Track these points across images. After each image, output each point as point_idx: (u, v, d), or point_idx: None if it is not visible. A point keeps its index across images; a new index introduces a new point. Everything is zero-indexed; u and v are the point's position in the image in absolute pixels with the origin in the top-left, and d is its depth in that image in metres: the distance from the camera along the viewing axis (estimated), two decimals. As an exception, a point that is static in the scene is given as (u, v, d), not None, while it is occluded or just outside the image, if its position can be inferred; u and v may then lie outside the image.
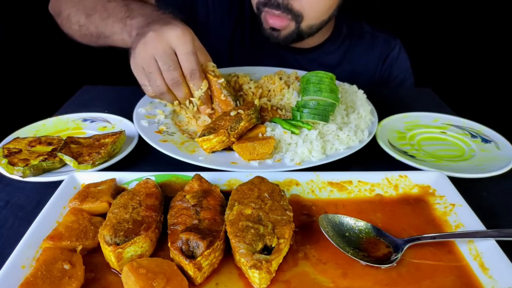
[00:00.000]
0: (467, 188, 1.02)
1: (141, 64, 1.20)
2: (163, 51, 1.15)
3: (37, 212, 0.88)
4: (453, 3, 3.16)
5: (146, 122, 1.29)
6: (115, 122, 1.36)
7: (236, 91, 1.41)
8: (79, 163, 1.07)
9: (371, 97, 1.44)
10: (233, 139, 1.13)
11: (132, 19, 1.35)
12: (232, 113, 1.15)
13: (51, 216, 0.88)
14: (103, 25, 1.45)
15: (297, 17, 1.59)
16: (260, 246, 0.76)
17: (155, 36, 1.15)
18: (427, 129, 1.38)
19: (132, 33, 1.32)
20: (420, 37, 3.18)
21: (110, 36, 1.45)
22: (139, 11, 1.36)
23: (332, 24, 1.90)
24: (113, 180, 0.98)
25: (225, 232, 0.81)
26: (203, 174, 0.97)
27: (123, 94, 1.62)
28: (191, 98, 1.26)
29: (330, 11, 1.68)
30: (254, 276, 0.73)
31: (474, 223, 0.88)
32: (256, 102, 1.30)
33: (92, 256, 0.81)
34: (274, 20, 1.61)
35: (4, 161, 1.06)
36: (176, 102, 1.28)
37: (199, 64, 1.20)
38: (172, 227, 0.81)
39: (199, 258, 0.74)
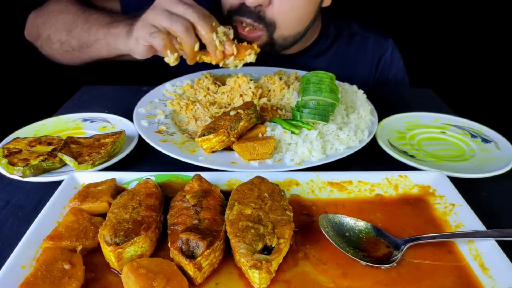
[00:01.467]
0: (467, 188, 1.02)
1: (152, 20, 1.24)
2: (175, 1, 1.23)
3: (37, 212, 0.88)
4: (453, 2, 3.16)
5: (146, 122, 1.29)
6: (115, 122, 1.36)
7: (236, 91, 1.41)
8: (79, 163, 1.07)
9: (371, 97, 1.44)
10: (233, 139, 1.13)
11: (119, 22, 1.38)
12: (232, 113, 1.15)
13: (51, 216, 0.88)
14: (86, 35, 1.47)
15: (270, 26, 1.51)
16: (260, 246, 0.76)
17: None
18: (427, 129, 1.38)
19: (120, 33, 1.34)
20: (420, 37, 3.18)
21: (94, 44, 1.46)
22: (123, 17, 1.40)
23: (318, 25, 1.84)
24: (113, 180, 0.98)
25: (225, 232, 0.81)
26: (203, 174, 0.97)
27: (123, 94, 1.62)
28: (218, 34, 1.27)
29: (304, 23, 1.60)
30: (254, 276, 0.73)
31: (474, 223, 0.88)
32: (256, 102, 1.30)
33: (92, 256, 0.81)
34: (244, 31, 1.53)
35: (4, 161, 1.06)
36: (197, 46, 1.26)
37: None
38: (172, 227, 0.81)
39: (199, 258, 0.74)
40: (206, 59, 1.33)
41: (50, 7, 1.64)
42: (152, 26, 1.24)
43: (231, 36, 1.33)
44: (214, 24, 1.26)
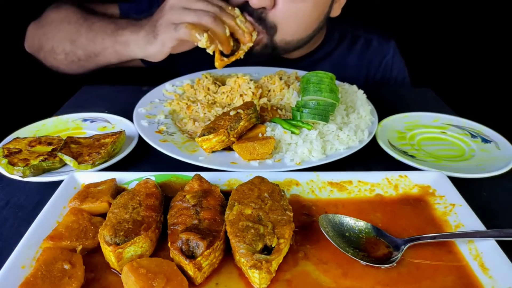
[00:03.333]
0: (467, 188, 1.02)
1: (176, 19, 1.29)
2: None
3: (37, 212, 0.88)
4: (453, 2, 3.16)
5: (146, 122, 1.29)
6: (115, 122, 1.36)
7: (236, 91, 1.41)
8: (79, 163, 1.07)
9: (371, 97, 1.44)
10: (232, 139, 1.13)
11: (124, 29, 1.38)
12: (232, 113, 1.15)
13: (51, 216, 0.88)
14: (92, 44, 1.47)
15: (270, 29, 1.50)
16: (260, 246, 0.76)
17: None
18: (427, 129, 1.38)
19: (129, 40, 1.35)
20: (420, 37, 3.18)
21: (101, 52, 1.46)
22: (126, 23, 1.40)
23: (324, 30, 1.84)
24: (113, 180, 0.98)
25: (225, 232, 0.81)
26: (203, 174, 0.97)
27: (123, 94, 1.62)
28: (238, 17, 1.36)
29: (307, 30, 1.58)
30: (254, 276, 0.73)
31: (474, 223, 0.88)
32: (256, 102, 1.30)
33: (92, 256, 0.81)
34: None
35: (4, 161, 1.06)
36: (227, 31, 1.33)
37: None
38: (172, 227, 0.81)
39: (199, 258, 0.74)
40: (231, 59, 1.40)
41: (50, 17, 1.63)
42: (171, 24, 1.28)
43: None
44: (230, 8, 1.34)
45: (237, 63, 1.71)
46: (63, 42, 1.54)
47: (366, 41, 1.92)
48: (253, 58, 1.60)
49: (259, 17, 1.48)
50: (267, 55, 1.60)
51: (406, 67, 2.00)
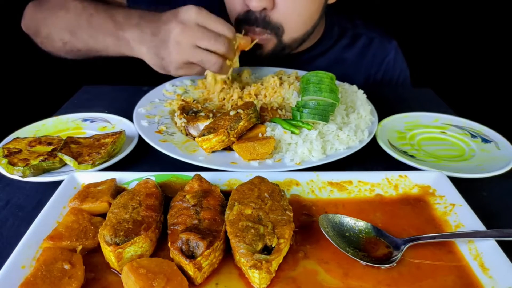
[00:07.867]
0: (467, 188, 1.02)
1: (184, 60, 1.26)
2: (198, 32, 1.22)
3: (37, 212, 0.88)
4: (453, 2, 3.16)
5: (146, 122, 1.29)
6: (115, 122, 1.36)
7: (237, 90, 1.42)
8: (79, 163, 1.07)
9: (371, 97, 1.44)
10: (232, 139, 1.13)
11: (124, 31, 1.33)
12: (232, 113, 1.15)
13: (51, 216, 0.88)
14: (92, 41, 1.42)
15: (277, 29, 1.51)
16: (260, 246, 0.76)
17: (182, 28, 1.21)
18: (427, 129, 1.38)
19: (131, 43, 1.32)
20: (420, 36, 3.18)
21: (103, 50, 1.43)
22: (123, 17, 1.35)
23: (322, 25, 1.85)
24: (113, 180, 0.98)
25: (225, 232, 0.81)
26: (203, 174, 0.97)
27: (123, 94, 1.62)
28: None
29: (311, 22, 1.59)
30: (254, 276, 0.73)
31: (474, 223, 0.88)
32: (256, 102, 1.30)
33: (92, 256, 0.81)
34: (254, 35, 1.53)
35: (4, 161, 1.06)
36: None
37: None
38: (172, 227, 0.81)
39: (199, 258, 0.74)
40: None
41: (50, 1, 1.56)
42: (187, 64, 1.27)
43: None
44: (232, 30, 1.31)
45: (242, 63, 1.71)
46: (62, 31, 1.48)
47: (367, 39, 1.90)
48: (263, 60, 1.62)
49: (263, 21, 1.48)
50: (277, 54, 1.62)
51: (408, 68, 1.99)
